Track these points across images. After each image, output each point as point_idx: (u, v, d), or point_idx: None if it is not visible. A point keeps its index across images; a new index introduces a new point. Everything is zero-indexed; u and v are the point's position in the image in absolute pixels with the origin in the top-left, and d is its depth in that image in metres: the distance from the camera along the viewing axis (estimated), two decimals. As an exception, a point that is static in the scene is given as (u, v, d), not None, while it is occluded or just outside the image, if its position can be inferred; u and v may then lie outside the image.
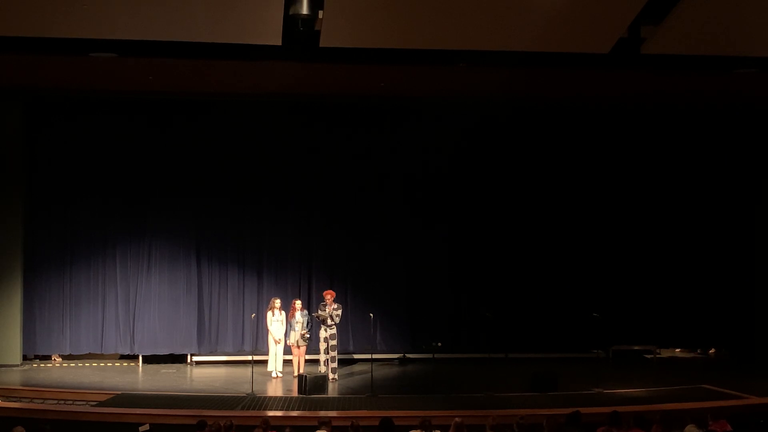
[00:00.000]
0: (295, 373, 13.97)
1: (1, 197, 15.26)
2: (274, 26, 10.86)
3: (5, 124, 15.29)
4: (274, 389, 13.60)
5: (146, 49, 11.65)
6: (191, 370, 15.47)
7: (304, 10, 10.56)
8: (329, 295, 14.17)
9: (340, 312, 14.12)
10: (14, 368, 14.94)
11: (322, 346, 14.08)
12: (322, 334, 14.05)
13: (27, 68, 13.45)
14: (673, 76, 13.70)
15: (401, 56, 12.16)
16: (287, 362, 14.44)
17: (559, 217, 16.91)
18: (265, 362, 14.47)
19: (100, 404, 11.95)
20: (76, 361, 15.94)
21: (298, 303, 14.39)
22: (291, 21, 10.80)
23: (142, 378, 14.71)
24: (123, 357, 16.19)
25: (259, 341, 15.10)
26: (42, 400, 12.33)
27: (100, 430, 10.61)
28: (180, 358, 15.91)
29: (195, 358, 15.91)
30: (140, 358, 15.84)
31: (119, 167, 15.86)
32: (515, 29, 11.17)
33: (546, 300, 16.70)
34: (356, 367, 15.47)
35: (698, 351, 17.68)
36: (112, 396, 12.47)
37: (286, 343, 14.24)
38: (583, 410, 9.80)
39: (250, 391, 12.78)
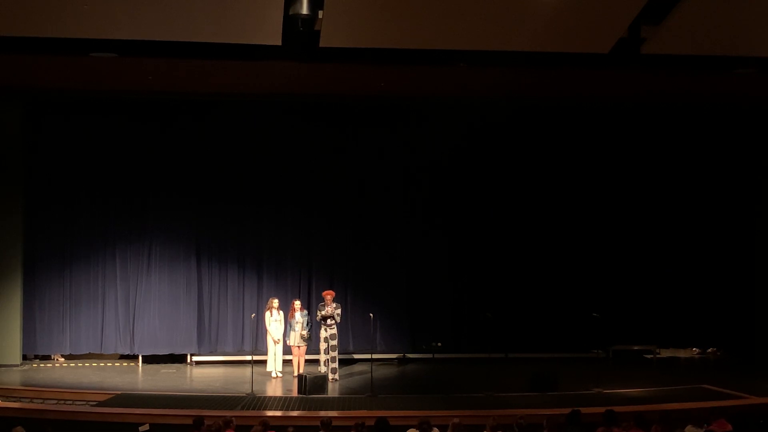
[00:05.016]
0: (295, 373, 13.96)
1: (1, 197, 15.25)
2: (274, 26, 10.86)
3: (5, 124, 15.28)
4: (274, 389, 13.60)
5: (146, 49, 11.65)
6: (191, 370, 15.47)
7: (304, 10, 10.56)
8: (329, 296, 14.18)
9: (339, 311, 14.14)
10: (14, 368, 14.93)
11: (323, 346, 14.08)
12: (323, 334, 14.05)
13: (27, 68, 13.44)
14: (673, 76, 13.69)
15: (401, 56, 12.16)
16: (287, 362, 14.43)
17: (559, 217, 16.91)
18: (265, 362, 14.47)
19: (100, 404, 11.95)
20: (76, 361, 15.94)
21: (298, 303, 14.38)
22: (291, 21, 10.80)
23: (142, 378, 14.71)
24: (123, 357, 16.17)
25: (258, 341, 15.07)
26: (42, 400, 12.32)
27: (100, 430, 10.62)
28: (180, 358, 15.91)
29: (195, 358, 15.91)
30: (140, 358, 15.83)
31: (119, 167, 15.86)
32: (515, 29, 11.17)
33: (546, 300, 16.70)
34: (356, 367, 15.46)
35: (694, 350, 17.67)
36: (112, 396, 12.47)
37: (286, 343, 14.25)
38: (583, 410, 9.78)
39: (250, 391, 12.78)
